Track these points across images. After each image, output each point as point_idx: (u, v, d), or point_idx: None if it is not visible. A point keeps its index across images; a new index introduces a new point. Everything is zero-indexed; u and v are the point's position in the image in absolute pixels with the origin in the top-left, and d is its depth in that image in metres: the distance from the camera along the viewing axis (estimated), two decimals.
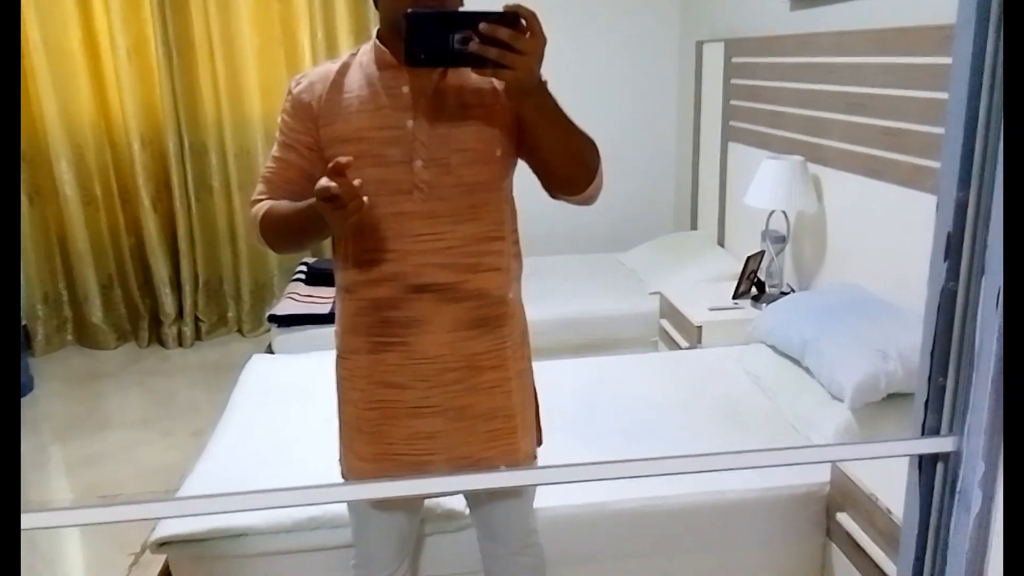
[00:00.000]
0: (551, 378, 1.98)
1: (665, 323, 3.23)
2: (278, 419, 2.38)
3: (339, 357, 1.44)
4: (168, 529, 1.86)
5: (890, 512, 1.70)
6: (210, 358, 4.12)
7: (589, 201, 1.36)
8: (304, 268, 3.84)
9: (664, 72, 4.39)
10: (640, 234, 4.32)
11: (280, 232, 1.36)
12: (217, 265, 4.33)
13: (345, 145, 1.29)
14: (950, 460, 0.80)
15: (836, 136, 2.78)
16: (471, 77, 1.30)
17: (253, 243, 3.98)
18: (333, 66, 1.37)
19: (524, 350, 1.47)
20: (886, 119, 2.49)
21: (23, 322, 4.11)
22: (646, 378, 2.63)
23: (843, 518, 1.88)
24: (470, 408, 1.39)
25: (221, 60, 4.05)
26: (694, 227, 4.20)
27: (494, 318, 1.38)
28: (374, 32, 1.36)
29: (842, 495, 1.91)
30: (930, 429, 0.82)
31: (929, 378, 0.81)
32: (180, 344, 4.25)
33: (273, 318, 3.36)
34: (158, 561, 2.23)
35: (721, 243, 3.84)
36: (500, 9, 1.11)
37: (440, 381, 1.37)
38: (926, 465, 0.82)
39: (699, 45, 3.96)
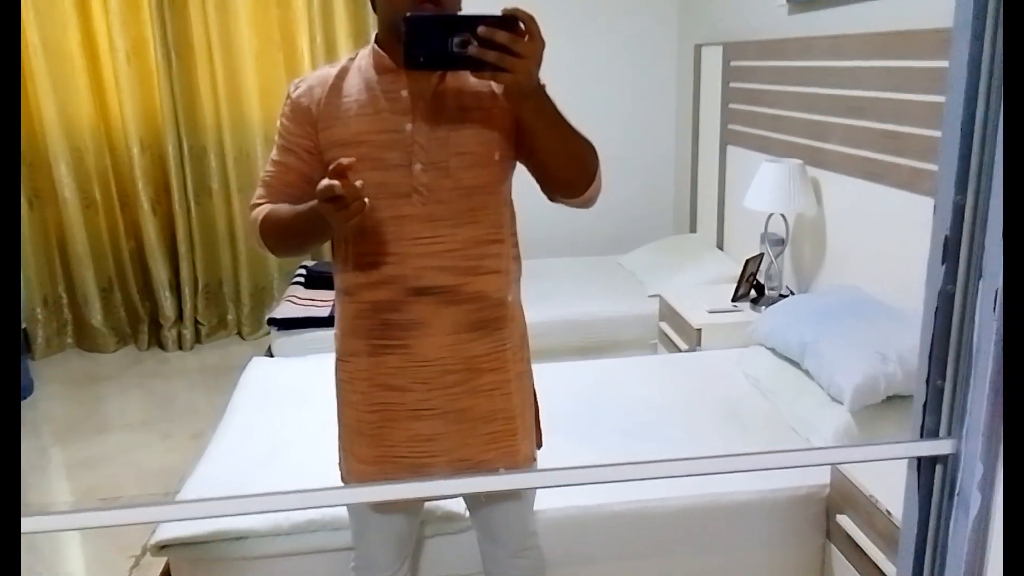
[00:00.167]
0: (551, 380, 1.98)
1: (664, 325, 3.24)
2: (277, 422, 2.38)
3: (339, 360, 1.44)
4: (168, 532, 1.86)
5: (889, 514, 1.71)
6: (210, 361, 4.12)
7: (588, 204, 1.37)
8: (303, 271, 3.84)
9: (663, 75, 4.39)
10: (639, 237, 4.31)
11: (280, 235, 1.36)
12: (217, 268, 4.33)
13: (344, 149, 1.29)
14: (949, 462, 0.80)
15: (835, 139, 2.78)
16: (470, 80, 1.30)
17: (253, 246, 3.98)
18: (332, 70, 1.37)
19: (524, 352, 1.47)
20: (885, 123, 2.49)
21: (23, 325, 4.10)
22: (646, 380, 2.63)
23: (843, 520, 1.88)
24: (470, 410, 1.39)
25: (220, 63, 4.05)
26: (693, 230, 4.20)
27: (494, 320, 1.38)
28: (373, 36, 1.36)
29: (842, 497, 1.92)
30: (929, 431, 0.82)
31: (927, 380, 0.81)
32: (180, 347, 4.25)
33: (273, 321, 3.37)
34: (159, 563, 2.23)
35: (720, 246, 3.84)
36: (499, 12, 1.11)
37: (440, 384, 1.37)
38: (925, 467, 0.83)
39: (698, 48, 3.96)
